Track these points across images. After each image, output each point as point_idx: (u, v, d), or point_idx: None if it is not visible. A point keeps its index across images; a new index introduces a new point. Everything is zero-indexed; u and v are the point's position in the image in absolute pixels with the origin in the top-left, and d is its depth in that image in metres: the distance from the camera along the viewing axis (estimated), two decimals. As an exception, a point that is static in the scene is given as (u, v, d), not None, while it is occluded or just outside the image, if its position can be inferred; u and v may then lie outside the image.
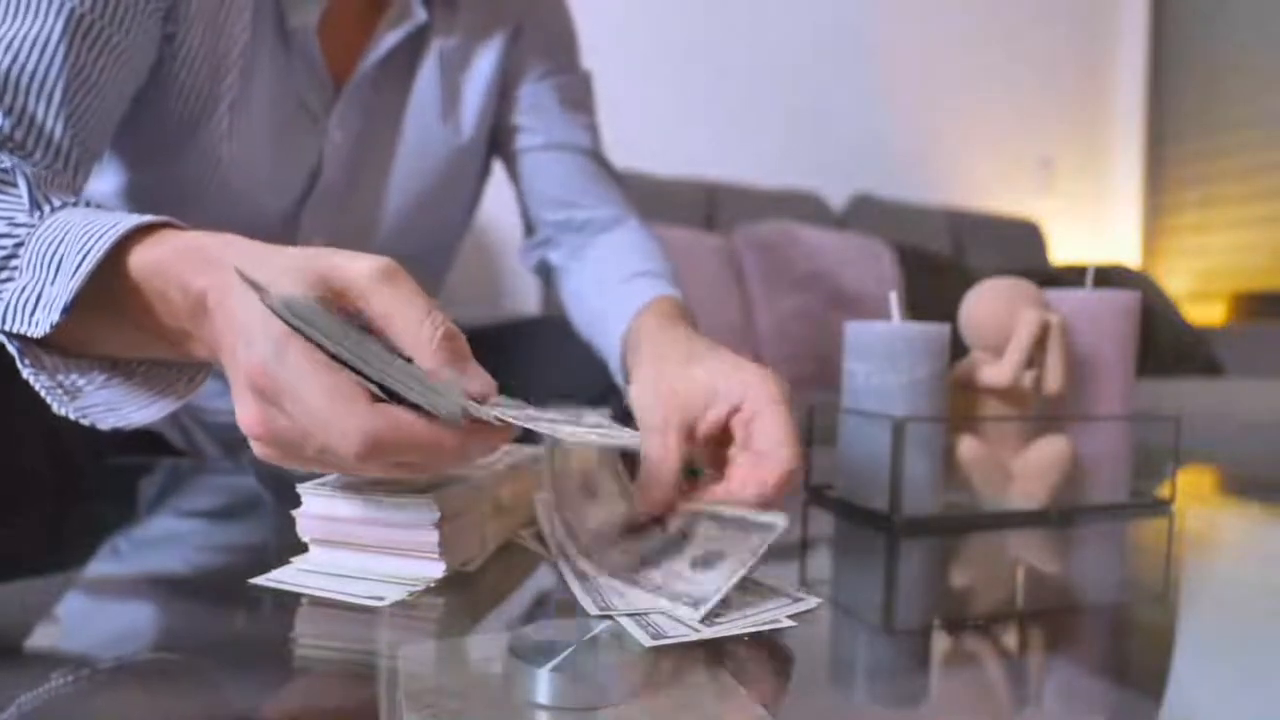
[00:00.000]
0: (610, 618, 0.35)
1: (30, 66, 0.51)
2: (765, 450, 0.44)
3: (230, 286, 0.36)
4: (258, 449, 0.35)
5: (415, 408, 0.33)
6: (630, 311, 0.65)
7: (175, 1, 0.61)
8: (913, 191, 2.64)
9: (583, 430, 0.37)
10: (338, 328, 0.33)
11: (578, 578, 0.41)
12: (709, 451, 0.48)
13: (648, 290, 0.67)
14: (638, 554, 0.42)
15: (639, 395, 0.49)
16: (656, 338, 0.57)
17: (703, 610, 0.35)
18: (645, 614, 0.36)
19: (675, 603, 0.36)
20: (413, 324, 0.34)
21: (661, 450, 0.44)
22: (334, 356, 0.33)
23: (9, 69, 0.51)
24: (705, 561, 0.38)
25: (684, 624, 0.35)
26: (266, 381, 0.33)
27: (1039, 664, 0.36)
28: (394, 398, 0.33)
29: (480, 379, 0.36)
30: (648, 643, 0.32)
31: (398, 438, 0.32)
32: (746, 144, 2.45)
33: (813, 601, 0.38)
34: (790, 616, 0.36)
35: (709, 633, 0.34)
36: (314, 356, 0.33)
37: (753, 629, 0.35)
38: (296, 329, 0.33)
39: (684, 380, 0.48)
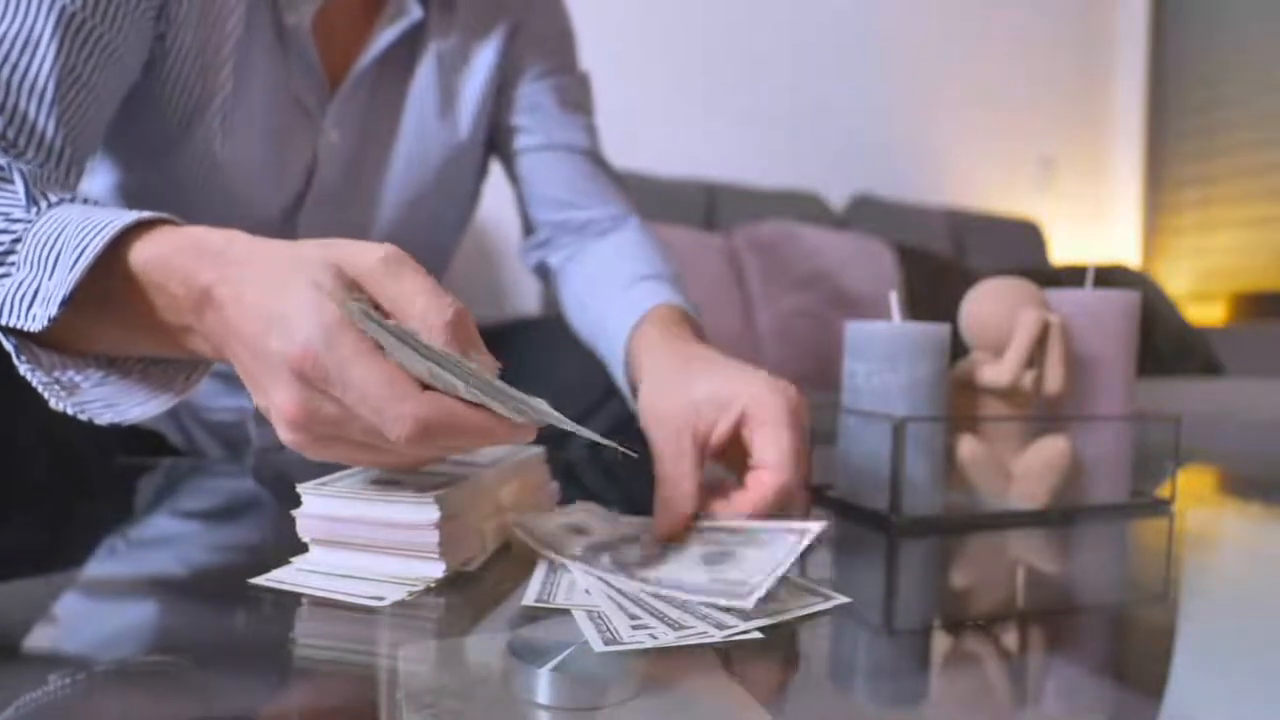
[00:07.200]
0: (565, 610, 0.35)
1: (21, 65, 0.51)
2: (757, 471, 0.45)
3: (243, 280, 0.36)
4: (290, 435, 0.36)
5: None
6: (631, 321, 0.64)
7: (167, 0, 0.61)
8: (913, 191, 2.64)
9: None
10: (409, 336, 0.34)
11: (565, 571, 0.41)
12: (728, 459, 0.49)
13: (648, 297, 0.66)
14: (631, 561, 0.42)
15: (646, 417, 0.50)
16: (657, 352, 0.58)
17: (753, 599, 0.34)
18: (605, 616, 0.34)
19: (718, 596, 0.35)
20: (423, 307, 0.35)
21: (676, 475, 0.45)
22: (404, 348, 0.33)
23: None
24: (717, 559, 0.38)
25: (644, 630, 0.33)
26: (313, 367, 0.33)
27: (1039, 664, 0.36)
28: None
29: (488, 361, 0.37)
30: (599, 647, 0.31)
31: (450, 424, 0.34)
32: (746, 144, 2.45)
33: (798, 612, 0.36)
34: (762, 629, 0.34)
35: (664, 641, 0.32)
36: (366, 344, 0.33)
37: (717, 641, 0.33)
38: (389, 332, 0.33)
39: (688, 396, 0.48)
